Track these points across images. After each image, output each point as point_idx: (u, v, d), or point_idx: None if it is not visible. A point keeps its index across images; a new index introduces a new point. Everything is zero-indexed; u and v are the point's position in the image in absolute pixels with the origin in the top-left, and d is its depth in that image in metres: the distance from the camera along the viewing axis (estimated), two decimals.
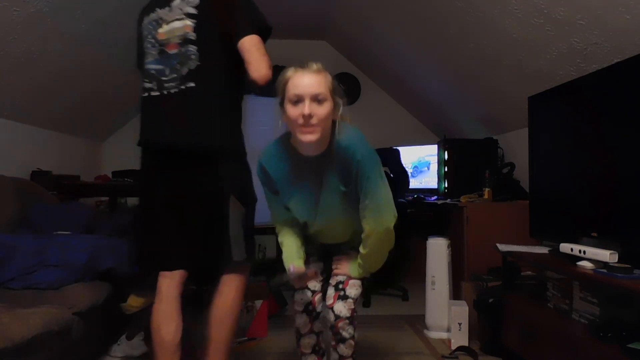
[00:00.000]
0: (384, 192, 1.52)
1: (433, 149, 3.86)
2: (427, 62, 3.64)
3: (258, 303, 2.64)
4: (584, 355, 1.65)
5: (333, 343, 1.66)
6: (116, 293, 2.23)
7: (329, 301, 1.63)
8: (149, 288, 2.30)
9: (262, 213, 1.80)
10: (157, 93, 1.63)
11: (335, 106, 1.45)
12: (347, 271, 1.67)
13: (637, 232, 1.66)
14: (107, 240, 2.31)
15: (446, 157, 3.42)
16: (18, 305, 1.78)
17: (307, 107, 1.37)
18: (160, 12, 1.64)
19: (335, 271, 1.70)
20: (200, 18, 1.58)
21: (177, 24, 1.60)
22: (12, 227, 2.40)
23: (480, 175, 3.06)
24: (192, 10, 1.59)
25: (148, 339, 2.34)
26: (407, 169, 3.87)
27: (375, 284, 3.48)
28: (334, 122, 1.48)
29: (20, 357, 1.58)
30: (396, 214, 1.55)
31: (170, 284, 1.66)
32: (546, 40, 2.30)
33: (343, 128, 1.49)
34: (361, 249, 1.61)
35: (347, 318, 1.60)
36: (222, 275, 1.69)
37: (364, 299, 3.37)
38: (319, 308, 1.71)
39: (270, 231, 1.71)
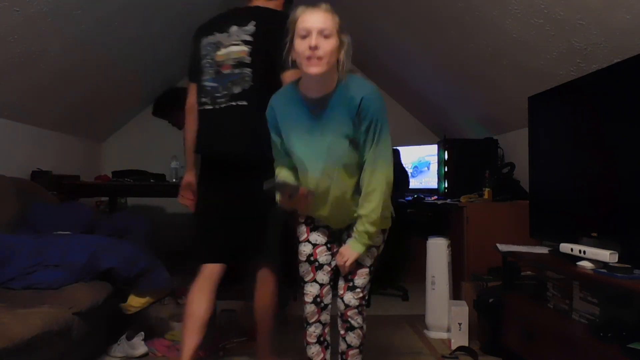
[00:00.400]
0: (389, 147, 1.62)
1: (433, 149, 3.85)
2: (427, 62, 3.63)
3: None
4: (584, 355, 1.65)
5: (342, 332, 1.72)
6: (116, 293, 2.24)
7: (340, 292, 1.71)
8: (149, 288, 2.31)
9: None
10: (210, 107, 1.86)
11: (340, 45, 1.53)
12: (350, 252, 1.65)
13: (637, 232, 1.66)
14: (107, 240, 2.30)
15: (446, 157, 3.42)
16: (18, 305, 1.78)
17: (313, 39, 1.46)
18: (219, 37, 1.85)
19: (342, 268, 1.69)
20: (255, 45, 1.80)
21: (234, 49, 1.82)
22: (12, 227, 2.40)
23: (480, 175, 3.06)
24: (249, 38, 1.81)
25: (148, 339, 2.34)
26: (407, 169, 3.87)
27: (375, 284, 3.48)
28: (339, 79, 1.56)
29: (20, 357, 1.58)
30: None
31: (212, 270, 1.87)
32: (546, 40, 2.30)
33: (360, 80, 1.61)
34: (362, 210, 1.60)
35: (356, 307, 1.69)
36: (257, 272, 1.93)
37: None
38: (326, 300, 1.77)
39: None
